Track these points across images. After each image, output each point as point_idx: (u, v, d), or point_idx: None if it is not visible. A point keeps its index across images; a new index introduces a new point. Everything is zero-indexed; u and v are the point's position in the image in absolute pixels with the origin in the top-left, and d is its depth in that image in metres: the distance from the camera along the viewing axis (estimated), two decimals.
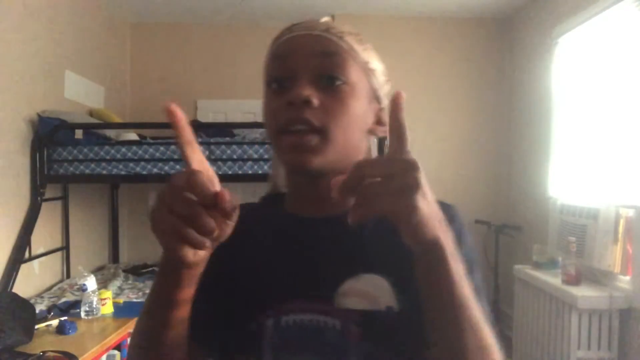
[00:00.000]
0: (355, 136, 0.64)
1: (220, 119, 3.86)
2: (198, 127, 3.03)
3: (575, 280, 2.41)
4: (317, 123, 0.59)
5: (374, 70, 0.67)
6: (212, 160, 2.54)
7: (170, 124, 0.46)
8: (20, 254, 2.48)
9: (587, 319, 2.30)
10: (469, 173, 3.87)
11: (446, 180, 3.87)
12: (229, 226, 0.46)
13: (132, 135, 2.88)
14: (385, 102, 0.69)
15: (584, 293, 2.30)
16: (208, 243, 0.45)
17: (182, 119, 0.46)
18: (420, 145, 3.87)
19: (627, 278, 2.32)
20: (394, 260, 0.59)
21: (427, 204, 0.45)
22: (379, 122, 0.68)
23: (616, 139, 2.46)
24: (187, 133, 0.47)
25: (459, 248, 0.52)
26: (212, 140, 2.66)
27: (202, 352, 0.65)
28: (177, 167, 2.53)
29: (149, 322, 0.57)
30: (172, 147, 2.53)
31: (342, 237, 0.63)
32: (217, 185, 0.45)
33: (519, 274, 2.89)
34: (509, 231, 3.60)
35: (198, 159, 0.48)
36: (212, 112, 3.88)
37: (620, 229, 2.35)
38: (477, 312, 0.52)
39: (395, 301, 0.61)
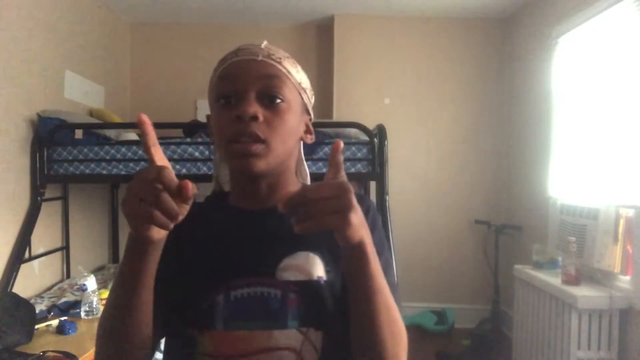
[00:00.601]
0: (290, 144, 0.79)
1: None
2: (198, 127, 3.02)
3: (575, 280, 2.41)
4: (262, 135, 0.72)
5: (305, 89, 0.82)
6: (212, 160, 2.54)
7: (141, 130, 0.57)
8: (20, 254, 2.47)
9: (587, 319, 2.30)
10: (469, 173, 3.87)
11: (446, 180, 3.88)
12: (186, 209, 0.56)
13: (132, 135, 2.88)
14: (312, 115, 0.86)
15: (584, 293, 2.30)
16: (171, 224, 0.55)
17: (150, 125, 0.58)
18: (420, 145, 3.88)
19: (627, 278, 2.33)
20: (322, 240, 0.76)
21: (357, 217, 0.58)
22: (308, 130, 0.84)
23: (616, 139, 2.46)
24: (153, 137, 0.59)
25: (373, 232, 0.71)
26: (212, 140, 2.65)
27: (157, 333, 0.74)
28: (177, 166, 2.53)
29: (119, 298, 0.66)
30: (172, 147, 2.53)
31: (279, 224, 0.75)
32: (174, 178, 0.56)
33: (519, 274, 2.89)
34: (509, 231, 3.60)
35: (160, 157, 0.60)
36: None
37: (620, 229, 2.34)
38: (388, 295, 0.67)
39: (324, 272, 0.75)
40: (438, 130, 3.89)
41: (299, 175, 0.91)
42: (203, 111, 3.94)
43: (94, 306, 2.25)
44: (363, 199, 0.80)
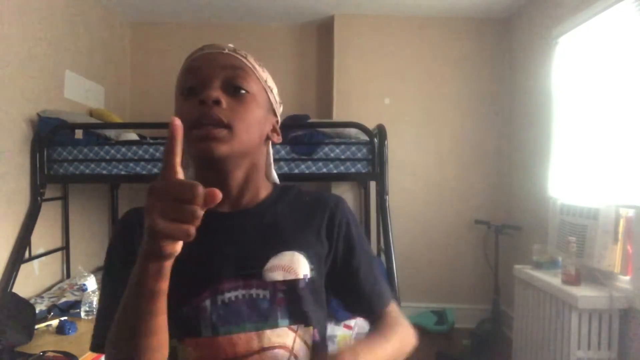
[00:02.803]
0: (255, 136, 0.76)
1: None
2: None
3: (575, 280, 2.41)
4: (225, 120, 0.70)
5: (271, 88, 0.81)
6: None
7: (170, 133, 0.53)
8: (20, 254, 2.47)
9: (587, 319, 2.30)
10: (469, 173, 3.87)
11: (446, 180, 3.88)
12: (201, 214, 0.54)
13: (132, 135, 2.88)
14: (279, 118, 0.85)
15: (584, 293, 2.30)
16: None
17: (181, 134, 0.54)
18: (420, 145, 3.88)
19: (627, 278, 2.32)
20: (305, 239, 0.78)
21: None
22: (274, 131, 0.83)
23: (616, 139, 2.46)
24: (179, 146, 0.54)
25: (351, 227, 0.82)
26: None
27: None
28: None
29: (132, 314, 0.60)
30: None
31: (258, 225, 0.78)
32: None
33: (519, 274, 2.89)
34: (509, 231, 3.60)
35: (178, 164, 0.55)
36: None
37: (620, 229, 2.34)
38: (391, 351, 0.73)
39: (309, 271, 0.77)
40: (438, 130, 3.89)
41: (269, 177, 0.89)
42: None
43: (94, 306, 2.25)
44: (339, 200, 0.86)
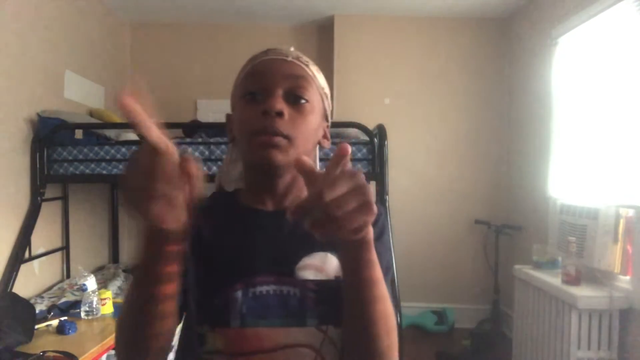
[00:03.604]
0: (310, 145, 0.80)
1: (220, 119, 3.82)
2: (198, 127, 3.02)
3: (575, 280, 2.41)
4: (285, 131, 0.73)
5: (327, 95, 0.84)
6: (212, 160, 2.54)
7: (129, 116, 0.47)
8: (20, 254, 2.47)
9: (587, 319, 2.30)
10: (469, 173, 3.87)
11: (446, 180, 3.88)
12: (198, 187, 0.53)
13: (132, 135, 2.88)
14: (329, 122, 0.87)
15: (584, 293, 2.30)
16: (177, 214, 0.52)
17: (136, 107, 0.47)
18: (420, 145, 3.88)
19: (627, 278, 2.32)
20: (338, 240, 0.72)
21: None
22: (325, 136, 0.85)
23: (616, 139, 2.46)
24: (143, 117, 0.48)
25: (384, 233, 0.79)
26: (212, 140, 2.66)
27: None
28: None
29: (137, 297, 0.63)
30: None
31: (297, 225, 0.73)
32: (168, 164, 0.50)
33: (519, 274, 2.89)
34: (509, 231, 3.60)
35: (156, 135, 0.49)
36: (212, 112, 3.88)
37: (620, 229, 2.34)
38: (385, 288, 0.66)
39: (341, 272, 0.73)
40: (438, 130, 3.89)
41: None
42: (203, 111, 3.94)
43: (94, 306, 2.25)
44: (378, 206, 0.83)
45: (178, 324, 0.74)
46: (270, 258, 0.76)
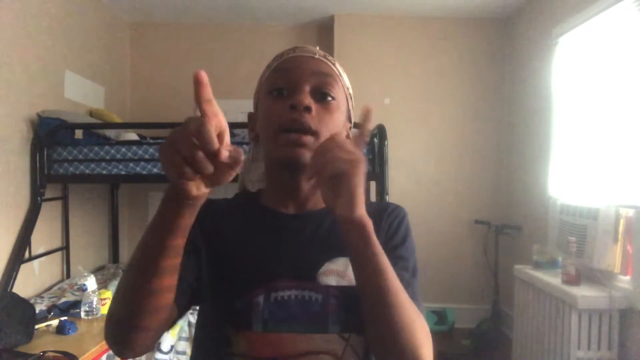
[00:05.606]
0: None
1: None
2: None
3: (575, 280, 2.41)
4: (313, 127, 0.73)
5: (351, 95, 0.84)
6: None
7: (195, 87, 0.52)
8: (20, 254, 2.48)
9: (587, 319, 2.30)
10: (469, 173, 3.87)
11: (446, 180, 3.88)
12: (230, 174, 0.53)
13: (132, 135, 2.88)
14: (352, 123, 0.87)
15: (584, 293, 2.30)
16: (200, 184, 0.53)
17: (206, 79, 0.53)
18: (420, 145, 3.88)
19: (627, 278, 2.32)
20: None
21: (361, 189, 0.59)
22: (348, 137, 0.84)
23: (616, 139, 2.46)
24: (208, 92, 0.53)
25: (407, 238, 0.79)
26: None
27: (176, 314, 0.73)
28: None
29: (146, 246, 0.61)
30: None
31: (318, 229, 0.78)
32: (226, 137, 0.53)
33: (519, 274, 2.89)
34: (509, 231, 3.60)
35: (213, 111, 0.53)
36: None
37: (620, 229, 2.34)
38: (395, 278, 0.64)
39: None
40: (438, 130, 3.89)
41: None
42: None
43: (94, 306, 2.25)
44: (400, 209, 0.85)
45: (176, 317, 0.73)
46: (291, 262, 0.75)
